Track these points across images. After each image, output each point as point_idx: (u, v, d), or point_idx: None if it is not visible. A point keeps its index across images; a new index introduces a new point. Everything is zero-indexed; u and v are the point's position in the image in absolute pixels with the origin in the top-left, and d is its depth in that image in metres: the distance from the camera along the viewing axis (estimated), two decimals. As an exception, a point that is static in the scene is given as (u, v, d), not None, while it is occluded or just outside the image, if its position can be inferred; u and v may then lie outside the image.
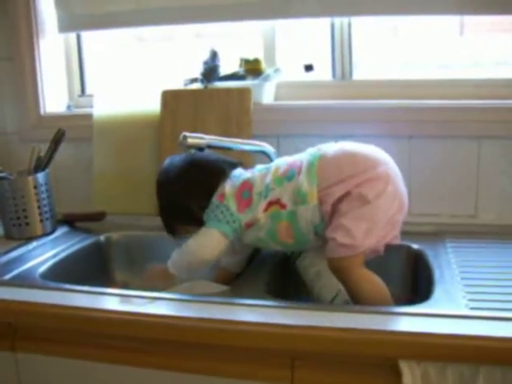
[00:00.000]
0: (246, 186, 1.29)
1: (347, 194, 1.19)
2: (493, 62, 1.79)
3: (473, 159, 1.58)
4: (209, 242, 1.27)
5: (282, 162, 1.31)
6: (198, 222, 1.32)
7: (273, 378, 1.07)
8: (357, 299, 1.21)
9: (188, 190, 1.33)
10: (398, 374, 0.99)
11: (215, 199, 1.29)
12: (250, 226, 1.27)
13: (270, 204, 1.25)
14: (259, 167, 1.35)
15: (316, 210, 1.22)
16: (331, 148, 1.27)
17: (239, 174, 1.34)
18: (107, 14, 1.84)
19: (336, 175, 1.21)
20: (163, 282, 1.34)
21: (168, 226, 1.39)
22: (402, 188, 1.25)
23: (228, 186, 1.30)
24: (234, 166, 1.37)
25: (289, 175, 1.25)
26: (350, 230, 1.18)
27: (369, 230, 1.18)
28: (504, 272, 1.25)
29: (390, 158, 1.27)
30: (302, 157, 1.28)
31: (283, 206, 1.24)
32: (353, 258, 1.20)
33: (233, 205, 1.27)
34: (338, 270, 1.22)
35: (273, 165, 1.33)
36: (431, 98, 1.63)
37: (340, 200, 1.20)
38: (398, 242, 1.27)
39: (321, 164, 1.23)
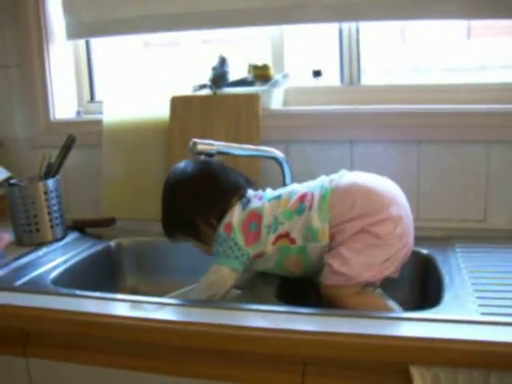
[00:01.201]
0: (254, 218, 1.27)
1: (358, 232, 1.19)
2: (500, 66, 1.79)
3: (482, 164, 1.58)
4: (220, 280, 1.26)
5: (292, 192, 1.29)
6: (201, 239, 1.33)
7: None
8: None
9: (199, 204, 1.32)
10: (408, 379, 0.99)
11: (222, 231, 1.27)
12: (258, 257, 1.27)
13: (279, 237, 1.25)
14: (268, 194, 1.32)
15: (327, 246, 1.22)
16: (344, 179, 1.26)
17: (248, 199, 1.32)
18: (115, 20, 1.85)
19: (349, 212, 1.20)
20: None
21: (168, 231, 1.38)
22: (410, 225, 1.25)
23: (236, 216, 1.28)
24: (248, 184, 1.36)
25: (299, 209, 1.24)
26: (349, 260, 1.18)
27: (368, 265, 1.19)
28: (514, 277, 1.25)
29: (401, 193, 1.27)
30: (313, 187, 1.27)
31: (293, 241, 1.24)
32: (346, 288, 1.20)
33: (240, 238, 1.26)
34: (330, 297, 1.23)
35: (283, 194, 1.30)
36: (439, 102, 1.63)
37: (351, 236, 1.20)
38: (396, 275, 1.27)
39: (332, 199, 1.22)
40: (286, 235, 1.24)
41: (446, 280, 1.25)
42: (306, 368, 1.07)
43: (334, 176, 1.29)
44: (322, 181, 1.28)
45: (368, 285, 1.24)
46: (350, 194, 1.22)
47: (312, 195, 1.25)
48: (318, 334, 1.04)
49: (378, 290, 1.27)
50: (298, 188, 1.31)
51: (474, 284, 1.22)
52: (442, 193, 1.61)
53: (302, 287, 1.35)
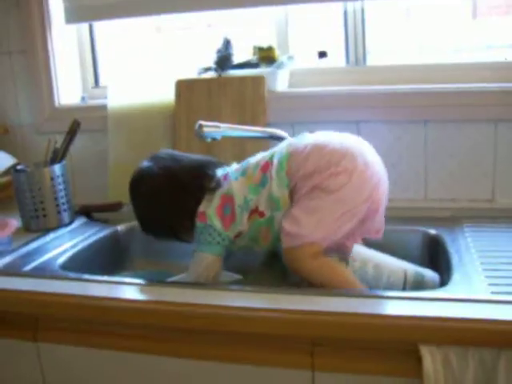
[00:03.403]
0: (227, 201, 1.26)
1: (311, 190, 1.18)
2: (506, 45, 1.77)
3: (490, 143, 1.57)
4: (206, 268, 1.26)
5: (256, 164, 1.29)
6: (184, 239, 1.34)
7: (293, 365, 1.07)
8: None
9: (171, 212, 1.31)
10: (418, 359, 0.99)
11: (198, 221, 1.27)
12: (237, 237, 1.28)
13: (251, 214, 1.25)
14: (233, 171, 1.31)
15: None
16: (302, 142, 1.26)
17: (216, 183, 1.30)
18: (114, 3, 1.83)
19: (303, 170, 1.20)
20: None
21: (147, 234, 1.39)
22: (376, 182, 1.20)
23: (205, 203, 1.27)
24: (214, 166, 1.34)
25: (263, 181, 1.24)
26: (299, 220, 1.17)
27: (320, 222, 1.17)
28: (523, 256, 1.25)
29: (366, 147, 1.25)
30: (274, 155, 1.27)
31: (262, 214, 1.24)
32: (301, 251, 1.18)
33: (218, 223, 1.25)
34: (288, 261, 1.22)
35: (247, 168, 1.30)
36: (446, 82, 1.62)
37: (304, 195, 1.19)
38: (377, 236, 1.26)
39: (290, 163, 1.22)
40: (256, 210, 1.24)
41: (455, 259, 1.24)
42: (315, 348, 1.06)
43: (294, 139, 1.30)
44: (281, 147, 1.28)
45: (340, 248, 1.24)
46: (305, 155, 1.21)
47: (272, 164, 1.25)
48: (327, 314, 1.04)
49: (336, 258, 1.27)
50: (260, 158, 1.30)
51: (482, 263, 1.21)
52: (450, 173, 1.60)
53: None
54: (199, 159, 1.36)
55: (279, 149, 1.28)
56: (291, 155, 1.23)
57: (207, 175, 1.31)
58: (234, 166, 1.34)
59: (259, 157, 1.31)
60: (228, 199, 1.26)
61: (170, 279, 1.39)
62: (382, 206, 1.23)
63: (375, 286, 1.28)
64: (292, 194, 1.22)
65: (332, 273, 1.20)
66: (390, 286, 1.29)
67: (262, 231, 1.26)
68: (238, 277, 1.30)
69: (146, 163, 1.37)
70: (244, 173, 1.29)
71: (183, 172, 1.31)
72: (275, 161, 1.24)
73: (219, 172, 1.33)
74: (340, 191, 1.16)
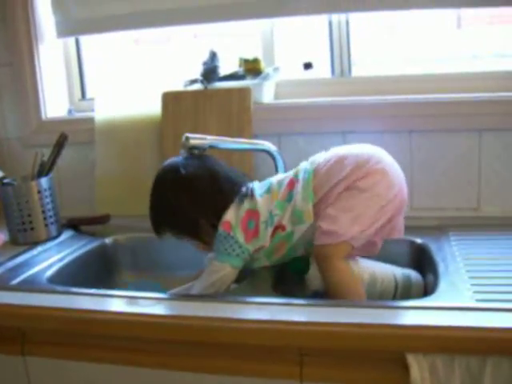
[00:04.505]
0: (252, 216, 1.26)
1: (343, 191, 1.21)
2: (491, 55, 1.80)
3: (474, 152, 1.59)
4: (222, 278, 1.25)
5: (280, 182, 1.30)
6: (203, 240, 1.32)
7: (282, 375, 1.08)
8: (328, 289, 1.23)
9: (202, 204, 1.29)
10: (405, 367, 1.00)
11: (222, 229, 1.26)
12: (257, 251, 1.28)
13: (275, 229, 1.26)
14: (259, 189, 1.31)
15: (311, 227, 1.24)
16: (323, 157, 1.29)
17: (242, 195, 1.30)
18: (104, 17, 1.84)
19: (331, 181, 1.23)
20: None
21: (160, 229, 1.35)
22: (400, 181, 1.25)
23: (233, 213, 1.27)
24: (245, 180, 1.35)
25: (289, 197, 1.26)
26: (337, 218, 1.20)
27: (356, 218, 1.20)
28: (508, 263, 1.26)
29: (385, 153, 1.28)
30: (298, 172, 1.29)
31: (283, 228, 1.25)
32: (335, 248, 1.21)
33: (240, 236, 1.25)
34: (320, 257, 1.23)
35: (270, 186, 1.30)
36: (430, 92, 1.63)
37: (336, 197, 1.22)
38: (399, 235, 1.28)
39: (316, 178, 1.25)
40: (280, 225, 1.25)
41: (441, 268, 1.25)
42: (303, 358, 1.07)
43: (314, 157, 1.31)
44: (304, 165, 1.30)
45: (369, 246, 1.27)
46: (330, 165, 1.25)
47: (297, 181, 1.27)
48: (314, 325, 1.04)
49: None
50: (282, 177, 1.32)
51: (468, 271, 1.22)
52: (435, 182, 1.61)
53: (298, 279, 1.35)
54: (234, 168, 1.38)
55: (302, 166, 1.30)
56: (317, 170, 1.26)
57: (243, 183, 1.32)
58: (256, 184, 1.34)
59: (281, 176, 1.34)
60: (253, 214, 1.26)
61: (172, 291, 1.37)
62: (405, 204, 1.27)
63: (371, 293, 1.29)
64: (317, 206, 1.23)
65: (349, 280, 1.22)
66: (383, 292, 1.31)
67: (278, 244, 1.27)
68: (234, 285, 1.29)
69: (179, 158, 1.36)
70: (268, 191, 1.29)
71: (222, 172, 1.33)
72: (301, 177, 1.26)
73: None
74: (373, 188, 1.20)
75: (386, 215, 1.22)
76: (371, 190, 1.20)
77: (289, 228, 1.25)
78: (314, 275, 1.29)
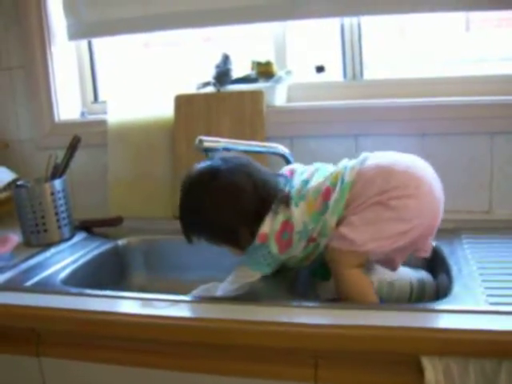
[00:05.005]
0: (286, 227, 1.23)
1: (373, 204, 1.19)
2: (500, 58, 1.79)
3: (486, 155, 1.59)
4: (250, 283, 1.24)
5: (318, 189, 1.25)
6: (240, 246, 1.28)
7: (296, 377, 1.08)
8: (338, 293, 1.23)
9: (243, 212, 1.25)
10: (420, 370, 1.00)
11: (258, 241, 1.23)
12: (288, 260, 1.27)
13: (309, 242, 1.24)
14: (294, 191, 1.26)
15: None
16: (366, 164, 1.24)
17: (278, 201, 1.26)
18: (116, 20, 1.86)
19: (365, 195, 1.20)
20: None
21: (191, 235, 1.30)
22: (433, 209, 1.22)
23: (269, 225, 1.23)
24: (281, 183, 1.30)
25: (324, 209, 1.22)
26: (358, 228, 1.18)
27: (376, 233, 1.18)
28: (522, 267, 1.26)
29: (431, 173, 1.25)
30: (337, 180, 1.24)
31: (314, 240, 1.24)
32: (348, 255, 1.19)
33: (274, 247, 1.23)
34: (332, 260, 1.23)
35: (307, 192, 1.25)
36: (442, 95, 1.63)
37: (364, 208, 1.20)
38: (425, 255, 1.26)
39: (351, 193, 1.21)
40: (312, 238, 1.24)
41: (455, 271, 1.25)
42: (318, 361, 1.07)
43: (356, 161, 1.26)
44: (345, 168, 1.25)
45: (387, 262, 1.25)
46: (369, 177, 1.21)
47: (334, 191, 1.22)
48: (330, 327, 1.05)
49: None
50: (321, 180, 1.26)
51: (481, 274, 1.22)
52: (448, 185, 1.58)
53: (312, 281, 1.36)
54: (271, 173, 1.33)
55: (342, 171, 1.25)
56: (354, 182, 1.22)
57: (280, 186, 1.29)
58: (293, 182, 1.30)
59: (319, 177, 1.28)
60: (287, 225, 1.23)
61: (194, 292, 1.33)
62: (435, 228, 1.24)
63: (387, 300, 1.29)
64: (344, 211, 1.21)
65: (358, 289, 1.21)
66: (398, 298, 1.30)
67: (309, 254, 1.26)
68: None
69: (216, 161, 1.30)
70: (303, 197, 1.25)
71: (260, 177, 1.27)
72: (337, 189, 1.22)
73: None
74: (402, 211, 1.17)
75: (406, 239, 1.18)
76: (398, 213, 1.17)
77: (318, 239, 1.24)
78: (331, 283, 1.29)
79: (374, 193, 1.19)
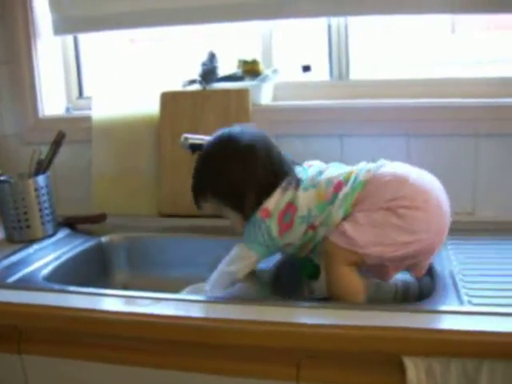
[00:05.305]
0: (290, 209, 1.23)
1: (382, 208, 1.18)
2: (485, 61, 1.81)
3: (470, 157, 1.60)
4: (245, 266, 1.25)
5: (329, 180, 1.25)
6: (244, 213, 1.28)
7: (279, 376, 1.08)
8: (328, 289, 1.23)
9: (254, 177, 1.26)
10: (402, 370, 1.01)
11: (259, 215, 1.24)
12: (285, 246, 1.27)
13: (309, 229, 1.24)
14: (306, 178, 1.27)
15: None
16: (381, 169, 1.23)
17: (287, 183, 1.27)
18: (102, 16, 1.84)
19: (373, 198, 1.19)
20: None
21: (202, 197, 1.32)
22: (439, 227, 1.20)
23: (275, 202, 1.24)
24: (295, 166, 1.32)
25: (332, 199, 1.22)
26: (362, 228, 1.17)
27: (379, 237, 1.16)
28: (504, 268, 1.27)
29: (439, 189, 1.24)
30: (350, 177, 1.23)
31: (314, 228, 1.23)
32: (345, 252, 1.18)
33: (274, 227, 1.23)
34: (327, 253, 1.22)
35: (319, 181, 1.25)
36: (427, 96, 1.65)
37: (373, 209, 1.19)
38: (417, 275, 1.25)
39: (361, 193, 1.20)
40: (313, 225, 1.23)
41: (438, 271, 1.26)
42: (301, 360, 1.07)
43: (372, 166, 1.26)
44: (360, 169, 1.25)
45: (378, 271, 1.24)
46: (383, 182, 1.20)
47: (345, 185, 1.22)
48: (313, 327, 1.05)
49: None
50: (334, 173, 1.26)
51: (464, 275, 1.24)
52: (432, 186, 1.62)
53: (295, 281, 1.36)
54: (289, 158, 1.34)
55: (357, 171, 1.25)
56: (368, 183, 1.21)
57: (294, 167, 1.30)
58: (308, 171, 1.30)
59: (334, 171, 1.28)
60: (291, 207, 1.24)
61: (187, 291, 1.34)
62: (437, 248, 1.22)
63: (372, 300, 1.27)
64: (352, 207, 1.20)
65: (347, 286, 1.20)
66: (383, 299, 1.30)
67: (307, 243, 1.26)
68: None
69: (236, 128, 1.33)
70: (315, 185, 1.25)
71: (276, 150, 1.31)
72: (349, 185, 1.22)
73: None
74: (408, 221, 1.15)
75: (408, 250, 1.17)
76: (405, 222, 1.15)
77: (318, 229, 1.23)
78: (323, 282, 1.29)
79: (384, 198, 1.18)
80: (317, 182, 1.26)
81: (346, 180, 1.23)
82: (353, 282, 1.21)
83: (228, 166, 1.28)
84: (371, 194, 1.20)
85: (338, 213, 1.21)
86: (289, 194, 1.25)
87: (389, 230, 1.16)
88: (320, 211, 1.22)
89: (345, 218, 1.20)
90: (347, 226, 1.18)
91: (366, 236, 1.17)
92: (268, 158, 1.28)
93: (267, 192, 1.25)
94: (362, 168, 1.26)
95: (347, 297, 1.19)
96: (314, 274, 1.32)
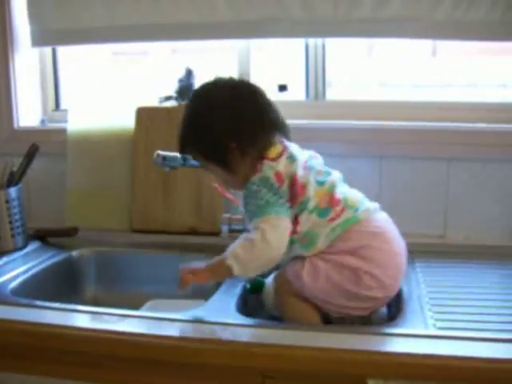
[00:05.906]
0: (297, 185, 1.17)
1: (347, 253, 1.16)
2: (464, 84, 1.83)
3: (442, 180, 1.62)
4: (282, 236, 1.15)
5: (331, 184, 1.21)
6: (228, 167, 1.21)
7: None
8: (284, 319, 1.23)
9: (236, 124, 1.19)
10: (366, 393, 1.01)
11: (274, 180, 1.16)
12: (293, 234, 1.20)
13: (295, 220, 1.18)
14: (314, 170, 1.22)
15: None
16: (376, 216, 1.23)
17: (294, 156, 1.20)
18: (81, 29, 1.83)
19: (347, 243, 1.17)
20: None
21: (185, 146, 1.26)
22: (392, 282, 1.18)
23: (284, 168, 1.17)
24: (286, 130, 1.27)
25: (323, 212, 1.17)
26: (317, 275, 1.16)
27: (329, 298, 1.17)
28: (471, 292, 1.29)
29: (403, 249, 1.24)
30: (350, 202, 1.20)
31: (295, 232, 1.18)
32: (296, 290, 1.19)
33: (272, 177, 1.16)
34: (279, 284, 1.23)
35: (328, 181, 1.21)
36: (403, 119, 1.66)
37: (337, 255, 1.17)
38: (362, 313, 1.21)
39: (351, 228, 1.17)
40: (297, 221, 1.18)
41: (405, 294, 1.27)
42: (265, 381, 1.07)
43: (372, 205, 1.24)
44: (360, 203, 1.22)
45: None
46: (368, 237, 1.18)
47: (342, 210, 1.18)
48: (277, 347, 1.05)
49: None
50: (341, 188, 1.22)
51: (431, 298, 1.24)
52: (403, 208, 1.63)
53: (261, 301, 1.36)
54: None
55: (358, 203, 1.21)
56: (360, 221, 1.18)
57: (285, 126, 1.27)
58: (313, 162, 1.25)
59: (343, 187, 1.24)
60: (300, 186, 1.17)
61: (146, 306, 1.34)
62: (386, 300, 1.22)
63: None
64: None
65: (295, 316, 1.21)
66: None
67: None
68: (200, 301, 1.29)
69: (225, 78, 1.25)
70: (324, 182, 1.20)
71: (267, 103, 1.24)
72: (346, 213, 1.18)
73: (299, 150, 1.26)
74: (367, 289, 1.15)
75: (352, 301, 1.16)
76: (362, 287, 1.14)
77: (299, 235, 1.18)
78: (268, 296, 1.29)
79: (355, 245, 1.16)
80: (324, 180, 1.21)
81: (346, 202, 1.20)
82: (307, 314, 1.20)
83: (207, 115, 1.20)
84: (351, 238, 1.17)
85: (323, 242, 1.17)
86: (299, 170, 1.19)
87: (342, 294, 1.16)
88: (312, 214, 1.17)
89: (317, 254, 1.18)
90: (305, 272, 1.17)
91: (316, 290, 1.16)
92: (255, 105, 1.21)
93: (251, 140, 1.19)
94: (363, 202, 1.23)
95: (302, 321, 1.20)
96: (258, 288, 1.32)
